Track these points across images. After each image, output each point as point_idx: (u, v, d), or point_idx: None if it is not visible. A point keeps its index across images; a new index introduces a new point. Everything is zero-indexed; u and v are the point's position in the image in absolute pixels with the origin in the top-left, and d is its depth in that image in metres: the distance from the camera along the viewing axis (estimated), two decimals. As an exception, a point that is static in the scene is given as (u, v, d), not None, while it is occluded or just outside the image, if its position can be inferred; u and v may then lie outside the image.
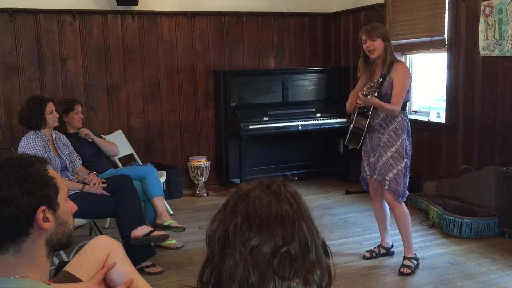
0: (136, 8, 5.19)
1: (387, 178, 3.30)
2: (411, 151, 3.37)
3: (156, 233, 3.32)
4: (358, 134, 3.43)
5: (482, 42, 4.14)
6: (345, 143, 3.66)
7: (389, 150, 3.30)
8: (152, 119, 5.48)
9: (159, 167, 4.88)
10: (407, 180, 3.35)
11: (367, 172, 3.49)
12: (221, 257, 0.92)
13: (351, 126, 3.46)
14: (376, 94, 3.20)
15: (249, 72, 5.71)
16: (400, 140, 3.28)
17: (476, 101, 4.31)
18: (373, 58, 3.32)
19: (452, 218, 3.93)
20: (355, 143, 3.49)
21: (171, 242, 3.79)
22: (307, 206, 1.01)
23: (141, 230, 3.29)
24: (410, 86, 3.32)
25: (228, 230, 0.93)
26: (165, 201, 4.03)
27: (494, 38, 4.02)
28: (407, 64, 5.13)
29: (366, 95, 3.19)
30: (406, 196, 3.37)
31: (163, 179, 4.43)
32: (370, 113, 3.34)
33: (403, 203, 3.35)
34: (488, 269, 3.31)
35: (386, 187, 3.32)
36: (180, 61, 5.53)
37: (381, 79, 3.22)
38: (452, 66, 4.52)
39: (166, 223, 3.67)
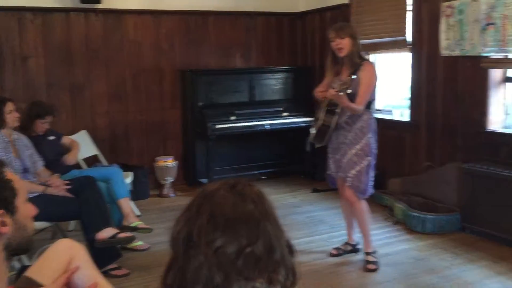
0: (100, 6, 5.09)
1: (350, 175, 3.35)
2: (376, 150, 3.43)
3: (122, 234, 3.27)
4: (325, 131, 3.46)
5: (443, 42, 4.25)
6: (309, 141, 3.67)
7: (354, 148, 3.35)
8: (118, 119, 5.39)
9: (125, 167, 4.81)
10: (371, 178, 3.41)
11: (333, 170, 3.53)
12: (185, 259, 0.91)
13: (319, 123, 3.49)
14: (349, 91, 3.21)
15: (216, 72, 5.69)
16: (366, 138, 3.33)
17: (438, 100, 4.42)
18: (342, 56, 3.34)
19: (415, 214, 4.02)
20: (320, 141, 3.52)
21: (138, 243, 3.74)
22: (272, 206, 1.02)
23: (107, 232, 3.24)
24: (375, 86, 3.38)
25: (192, 231, 0.92)
26: (131, 202, 3.98)
27: (455, 38, 4.13)
28: (372, 64, 5.20)
29: (340, 92, 3.20)
30: (368, 193, 3.42)
31: (129, 179, 4.37)
32: (338, 110, 3.36)
33: (363, 200, 3.41)
34: (450, 264, 3.40)
35: (349, 184, 3.37)
36: (146, 60, 5.46)
37: (354, 77, 3.23)
38: (415, 66, 4.63)
39: (132, 225, 3.62)
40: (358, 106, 3.26)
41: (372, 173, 3.42)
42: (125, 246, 3.64)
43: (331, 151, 3.54)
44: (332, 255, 3.60)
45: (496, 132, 3.98)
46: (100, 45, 5.24)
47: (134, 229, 3.57)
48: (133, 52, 5.39)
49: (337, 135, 3.44)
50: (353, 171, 3.34)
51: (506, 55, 3.87)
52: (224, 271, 0.89)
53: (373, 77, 3.33)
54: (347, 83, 3.20)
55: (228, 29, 5.85)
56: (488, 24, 3.82)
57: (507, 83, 4.03)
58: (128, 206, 3.75)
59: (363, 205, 3.43)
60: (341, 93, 3.20)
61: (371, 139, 3.36)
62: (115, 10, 5.23)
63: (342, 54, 3.32)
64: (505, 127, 4.05)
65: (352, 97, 3.27)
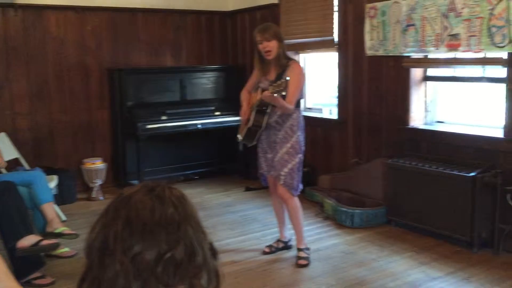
0: (19, 1, 4.82)
1: (282, 173, 3.39)
2: (304, 147, 3.50)
3: (45, 242, 3.11)
4: (255, 131, 3.48)
5: (368, 43, 4.40)
6: (239, 140, 3.68)
7: (285, 146, 3.39)
8: (41, 120, 5.13)
9: (49, 171, 4.58)
10: (301, 174, 3.48)
11: (265, 169, 3.56)
12: (100, 268, 0.87)
13: (250, 124, 3.49)
14: (284, 93, 3.22)
15: (145, 70, 5.57)
16: (296, 136, 3.39)
17: (364, 98, 4.58)
18: (270, 59, 3.37)
19: (344, 209, 4.14)
20: (251, 141, 3.54)
21: (63, 250, 3.58)
22: (194, 208, 0.99)
23: (29, 240, 3.07)
24: (303, 85, 3.44)
25: (108, 238, 0.88)
26: (56, 207, 3.80)
27: (379, 38, 4.29)
28: (301, 63, 5.30)
29: (275, 93, 3.18)
30: (299, 189, 3.49)
31: (53, 183, 4.17)
32: (268, 110, 3.39)
33: (296, 197, 3.47)
34: (377, 256, 3.53)
35: (282, 182, 3.41)
36: (71, 58, 5.24)
37: (288, 78, 3.23)
38: (342, 65, 4.76)
39: (57, 231, 3.46)
40: (290, 105, 3.31)
41: (302, 170, 3.49)
42: (50, 254, 3.47)
43: (261, 150, 3.57)
44: (264, 253, 3.63)
45: (418, 129, 4.18)
46: (20, 42, 4.96)
47: (59, 235, 3.41)
48: (56, 50, 5.15)
49: (268, 134, 3.47)
50: (286, 169, 3.39)
51: (426, 55, 4.07)
52: (142, 279, 0.85)
53: (301, 77, 3.39)
54: (281, 85, 3.17)
55: (158, 27, 5.74)
56: (408, 26, 4.00)
57: (427, 82, 4.24)
58: (53, 211, 3.58)
59: (297, 202, 3.49)
60: (276, 95, 3.20)
61: (300, 137, 3.43)
62: (36, 5, 4.96)
63: (269, 57, 3.36)
64: (426, 124, 4.26)
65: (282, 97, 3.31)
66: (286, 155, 3.39)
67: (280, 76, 3.34)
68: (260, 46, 3.36)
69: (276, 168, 3.43)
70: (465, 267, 3.31)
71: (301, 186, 3.51)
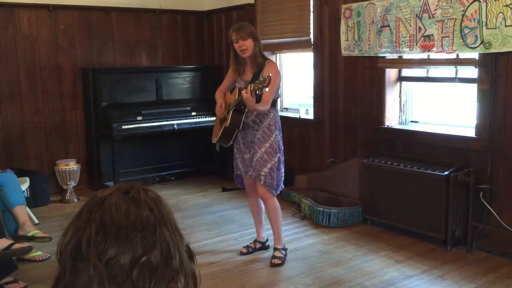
0: (-12, -1, 4.71)
1: (262, 173, 3.38)
2: (282, 146, 3.50)
3: (17, 245, 3.05)
4: (232, 131, 3.46)
5: (343, 43, 4.43)
6: (214, 142, 3.65)
7: (263, 146, 3.38)
8: (12, 120, 5.00)
9: (21, 173, 4.48)
10: (281, 174, 3.48)
11: (242, 170, 3.55)
12: (73, 273, 0.84)
13: (226, 123, 3.47)
14: (267, 89, 3.19)
15: (120, 70, 5.50)
16: (274, 135, 3.39)
17: (340, 98, 4.61)
18: (245, 57, 3.37)
19: (321, 209, 4.16)
20: (226, 141, 3.52)
21: (36, 254, 3.49)
22: (170, 210, 0.97)
23: (0, 244, 2.99)
24: (279, 84, 3.44)
25: (81, 242, 0.85)
26: (28, 209, 3.71)
27: (354, 39, 4.33)
28: (277, 63, 5.31)
29: (256, 89, 3.14)
30: (280, 189, 3.49)
31: (25, 186, 4.09)
32: (246, 110, 3.36)
33: (275, 197, 3.47)
34: (353, 255, 3.56)
35: (262, 182, 3.40)
36: (43, 57, 5.13)
37: (271, 74, 3.18)
38: (318, 66, 4.79)
39: (29, 234, 3.39)
40: (265, 105, 3.30)
41: (282, 169, 3.49)
42: (22, 258, 3.39)
43: (238, 151, 3.55)
44: (242, 253, 3.61)
45: (393, 129, 4.23)
46: (-10, 41, 4.84)
47: (31, 238, 3.34)
48: (28, 48, 5.04)
49: (245, 134, 3.46)
50: (266, 169, 3.38)
51: (400, 56, 4.13)
52: (117, 284, 0.83)
53: (277, 76, 3.38)
54: (265, 81, 3.10)
55: (132, 27, 5.67)
56: (383, 26, 4.04)
57: (402, 82, 4.30)
58: (25, 214, 3.50)
59: (276, 202, 3.48)
60: (259, 92, 3.18)
61: (277, 136, 3.43)
62: (6, 3, 4.85)
63: (245, 55, 3.36)
64: (400, 124, 4.32)
65: (258, 97, 3.30)
66: (265, 155, 3.38)
67: (256, 75, 3.33)
68: (236, 45, 3.35)
69: (256, 168, 3.41)
70: (439, 264, 3.36)
71: (282, 186, 3.51)
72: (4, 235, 3.14)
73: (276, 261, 3.41)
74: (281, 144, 3.48)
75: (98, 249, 0.84)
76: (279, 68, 4.22)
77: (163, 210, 0.95)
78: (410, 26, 3.83)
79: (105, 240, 0.85)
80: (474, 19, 3.40)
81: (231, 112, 3.44)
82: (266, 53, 3.62)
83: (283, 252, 3.49)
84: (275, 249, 3.50)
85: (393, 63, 4.20)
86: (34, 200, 4.66)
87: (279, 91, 3.49)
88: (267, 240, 3.71)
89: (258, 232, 3.71)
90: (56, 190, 5.09)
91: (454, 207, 3.56)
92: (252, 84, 3.20)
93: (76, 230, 0.88)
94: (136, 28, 5.69)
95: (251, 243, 3.69)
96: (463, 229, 3.61)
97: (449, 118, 4.10)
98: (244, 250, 3.64)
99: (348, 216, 4.15)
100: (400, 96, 4.31)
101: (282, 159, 3.49)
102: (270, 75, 3.18)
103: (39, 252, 3.53)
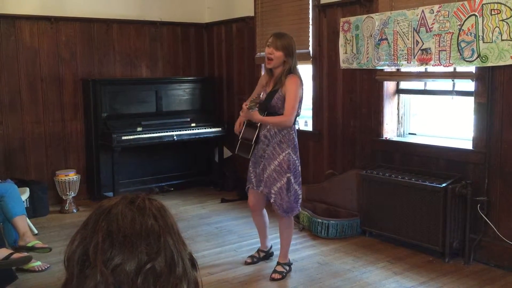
0: (-9, 11, 4.76)
1: (273, 191, 3.31)
2: (300, 167, 3.37)
3: (16, 255, 3.06)
4: (247, 145, 3.40)
5: (342, 56, 4.48)
6: (235, 152, 3.56)
7: (272, 163, 3.29)
8: (13, 131, 5.03)
9: (21, 183, 4.50)
10: (294, 196, 3.33)
11: (254, 183, 3.46)
12: (80, 280, 0.87)
13: (240, 137, 3.45)
14: (256, 109, 3.17)
15: (121, 81, 5.53)
16: (284, 154, 3.27)
17: (338, 110, 4.65)
18: (269, 67, 3.28)
19: (320, 220, 4.17)
20: (245, 153, 3.45)
21: (36, 264, 3.50)
22: (173, 219, 1.00)
23: (-1, 253, 3.01)
24: (301, 98, 3.29)
25: (88, 250, 0.88)
26: (28, 220, 3.72)
27: (352, 52, 4.38)
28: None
29: (249, 108, 3.17)
30: (293, 212, 3.36)
31: (25, 196, 4.11)
32: (258, 124, 3.32)
33: (290, 217, 3.40)
34: (352, 267, 3.57)
35: (272, 200, 3.33)
36: (44, 68, 5.17)
37: (265, 95, 3.19)
38: (317, 78, 4.83)
39: (29, 244, 3.40)
40: (284, 117, 3.18)
41: (297, 191, 3.34)
42: (22, 268, 3.39)
43: (252, 164, 3.48)
44: (247, 263, 3.60)
45: (391, 141, 4.27)
46: (-8, 52, 4.88)
47: (31, 249, 3.35)
48: (30, 60, 5.08)
49: (257, 148, 3.38)
50: (275, 188, 3.28)
51: (398, 69, 4.18)
52: (123, 290, 0.85)
53: (298, 88, 3.22)
54: (256, 100, 3.13)
55: (133, 38, 5.72)
56: (381, 40, 4.10)
57: (400, 95, 4.34)
58: (25, 224, 3.51)
59: (289, 221, 3.41)
60: (251, 110, 3.15)
61: (290, 155, 3.28)
62: (9, 15, 4.90)
63: (269, 65, 3.27)
64: (398, 136, 4.35)
65: (273, 111, 3.25)
66: (274, 173, 3.28)
67: (276, 90, 3.25)
68: (267, 49, 3.24)
69: (267, 185, 3.32)
70: (437, 276, 3.38)
71: (298, 209, 3.39)
72: (4, 245, 3.15)
73: (276, 275, 3.38)
74: (297, 165, 3.32)
75: (105, 257, 0.87)
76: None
77: (167, 219, 0.98)
78: (408, 39, 3.88)
79: (112, 247, 0.87)
80: (470, 33, 3.45)
81: (244, 126, 3.42)
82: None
83: (286, 267, 3.45)
84: (278, 263, 3.47)
85: (391, 76, 4.25)
86: (33, 211, 4.66)
87: (299, 109, 3.28)
88: (271, 247, 3.71)
89: (262, 242, 3.69)
90: (56, 201, 5.10)
91: (452, 219, 3.58)
92: (248, 101, 3.20)
93: (83, 238, 0.91)
94: (137, 39, 5.75)
95: (255, 253, 3.69)
96: (461, 241, 3.63)
97: (446, 131, 4.14)
98: (249, 260, 3.63)
99: (346, 228, 4.17)
100: (398, 109, 4.35)
101: (297, 180, 3.33)
102: (261, 95, 3.18)
103: (38, 263, 3.54)
